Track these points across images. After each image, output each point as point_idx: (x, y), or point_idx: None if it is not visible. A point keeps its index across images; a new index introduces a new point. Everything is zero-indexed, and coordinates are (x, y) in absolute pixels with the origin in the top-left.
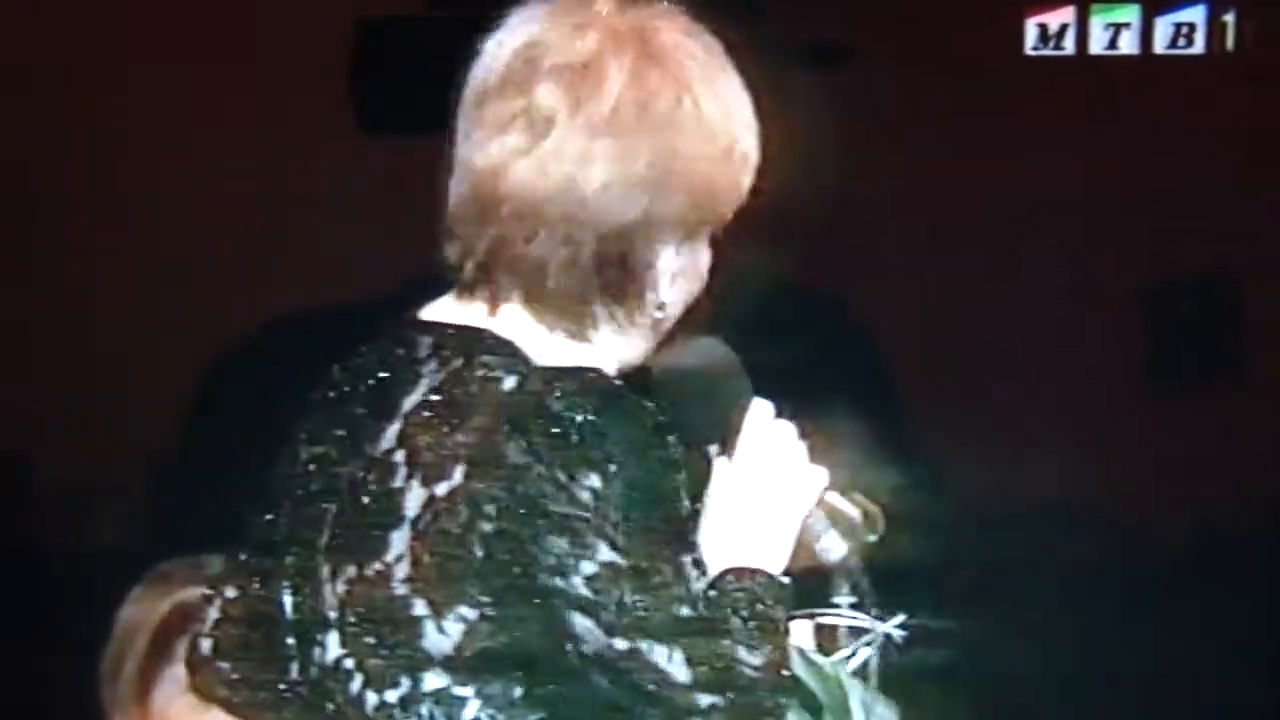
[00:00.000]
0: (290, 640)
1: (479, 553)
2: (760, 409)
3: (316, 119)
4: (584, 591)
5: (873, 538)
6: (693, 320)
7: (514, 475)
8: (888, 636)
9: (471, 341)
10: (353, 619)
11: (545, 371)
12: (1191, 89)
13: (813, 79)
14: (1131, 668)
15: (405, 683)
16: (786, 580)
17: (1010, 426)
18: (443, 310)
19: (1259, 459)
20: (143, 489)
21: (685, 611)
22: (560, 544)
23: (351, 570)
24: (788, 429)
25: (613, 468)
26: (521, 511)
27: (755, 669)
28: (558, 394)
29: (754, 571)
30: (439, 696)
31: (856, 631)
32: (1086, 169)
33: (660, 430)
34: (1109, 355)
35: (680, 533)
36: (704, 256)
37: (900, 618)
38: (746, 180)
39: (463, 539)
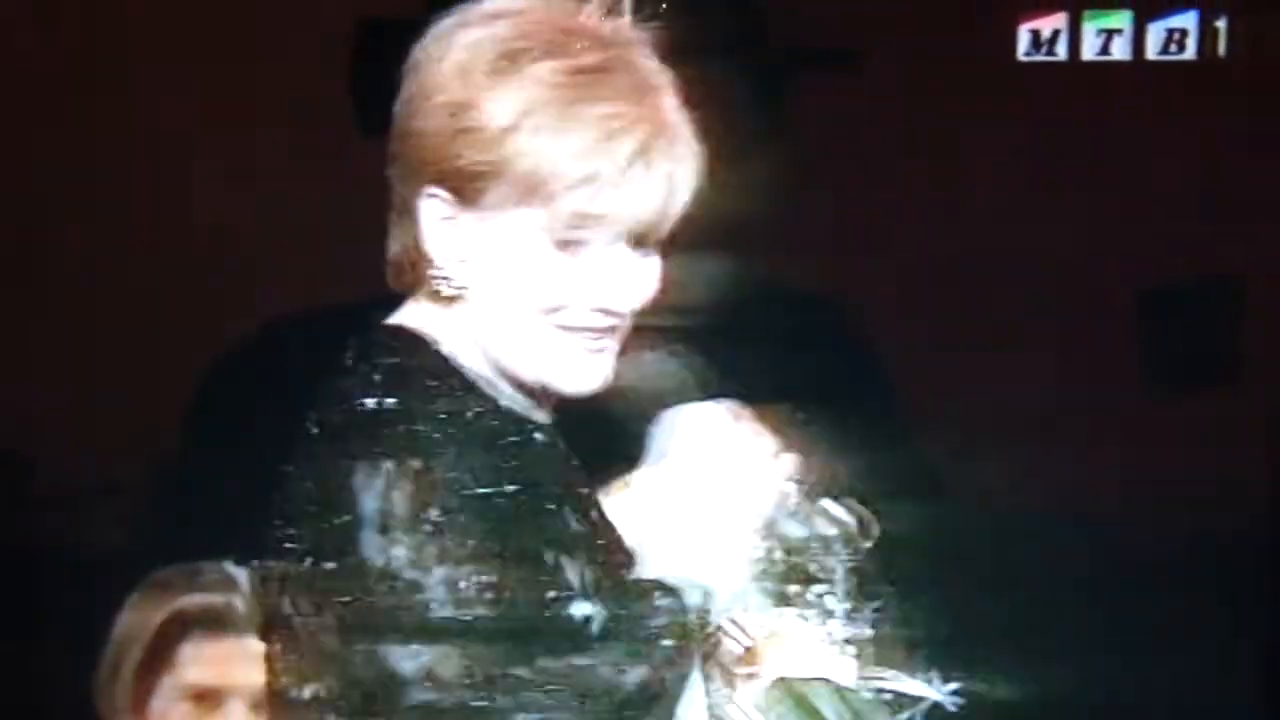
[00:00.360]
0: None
1: (333, 550)
2: (701, 413)
3: (316, 119)
4: (378, 588)
5: (867, 543)
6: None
7: (344, 469)
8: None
9: (382, 343)
10: (291, 619)
11: (404, 372)
12: (1183, 94)
13: (809, 83)
14: (1130, 668)
15: (326, 678)
16: (662, 590)
17: (1008, 429)
18: (399, 313)
19: (1259, 461)
20: (143, 491)
21: (443, 611)
22: (368, 540)
23: (287, 570)
24: (734, 430)
25: (417, 466)
26: (343, 508)
27: (529, 676)
28: (390, 389)
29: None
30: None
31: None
32: (1080, 174)
33: (498, 436)
34: (1104, 360)
35: (476, 532)
36: (523, 256)
37: (953, 685)
38: (489, 155)
39: (321, 534)
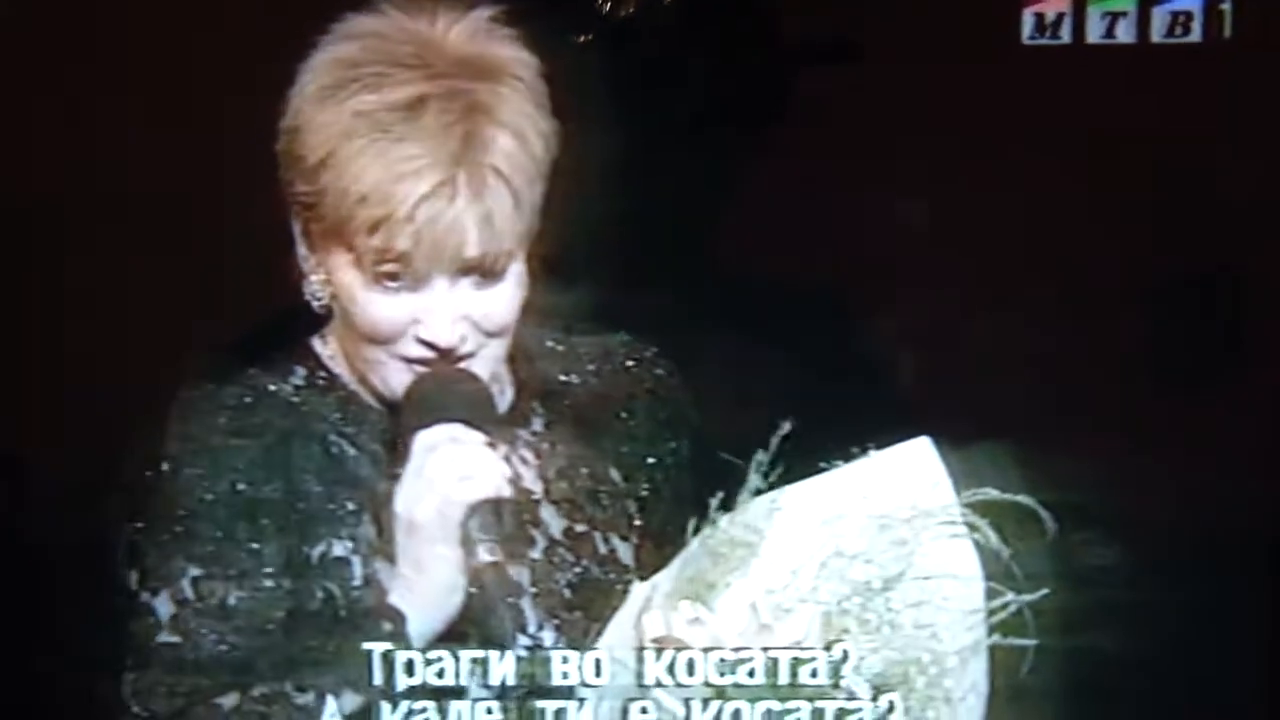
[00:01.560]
0: None
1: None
2: (432, 435)
3: None
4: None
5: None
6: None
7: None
8: None
9: (283, 358)
10: None
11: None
12: (1188, 77)
13: (813, 73)
14: (1130, 669)
15: None
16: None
17: (1008, 430)
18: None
19: (1261, 461)
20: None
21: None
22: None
23: None
24: (447, 449)
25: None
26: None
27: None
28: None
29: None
30: None
31: None
32: (1085, 160)
33: (271, 451)
34: (1110, 352)
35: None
36: (348, 287)
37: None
38: (311, 186)
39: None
